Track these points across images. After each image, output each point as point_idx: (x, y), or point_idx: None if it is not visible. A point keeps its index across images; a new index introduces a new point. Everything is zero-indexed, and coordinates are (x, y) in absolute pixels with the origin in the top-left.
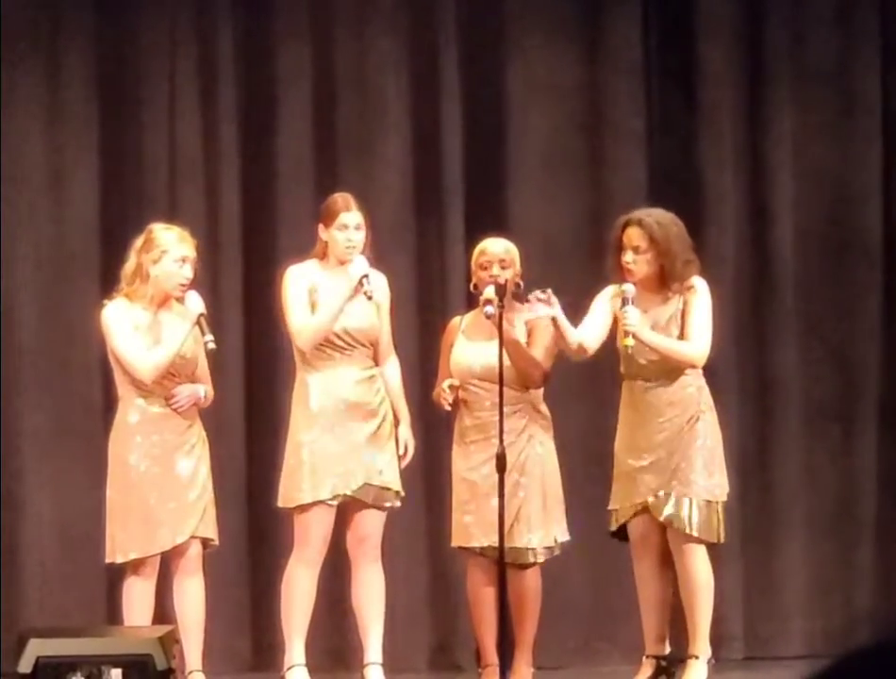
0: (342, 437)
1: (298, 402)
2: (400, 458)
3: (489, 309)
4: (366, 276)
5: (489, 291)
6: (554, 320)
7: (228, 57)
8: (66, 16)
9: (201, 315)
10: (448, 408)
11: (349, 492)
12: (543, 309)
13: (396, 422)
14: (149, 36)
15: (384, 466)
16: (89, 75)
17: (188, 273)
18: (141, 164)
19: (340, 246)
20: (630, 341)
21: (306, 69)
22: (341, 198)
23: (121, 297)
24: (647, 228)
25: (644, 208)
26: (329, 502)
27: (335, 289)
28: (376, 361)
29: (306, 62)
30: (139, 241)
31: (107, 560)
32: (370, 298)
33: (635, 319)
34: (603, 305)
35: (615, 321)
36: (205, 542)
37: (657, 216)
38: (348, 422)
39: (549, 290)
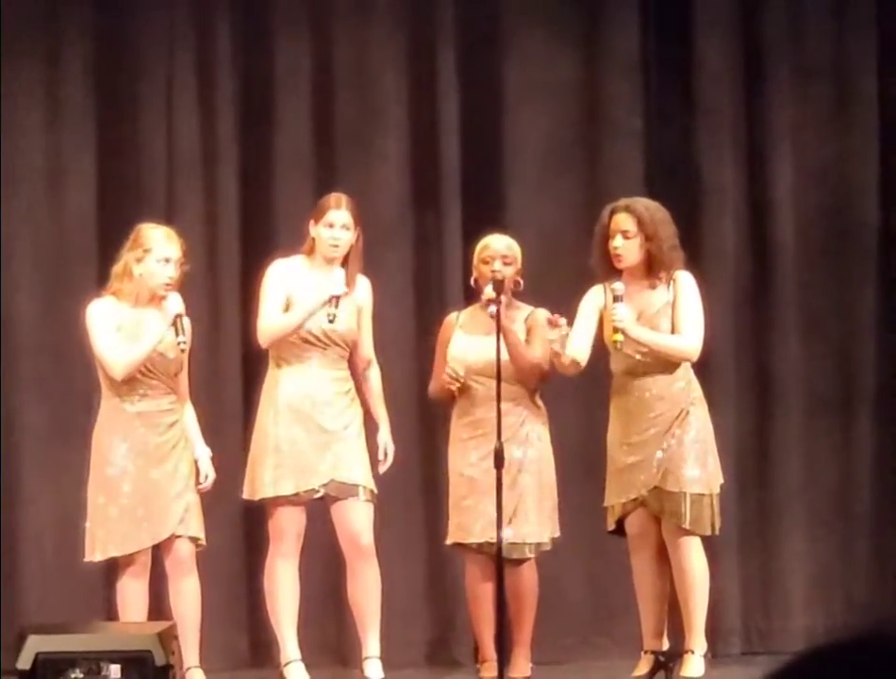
0: (308, 433)
1: (267, 395)
2: (380, 463)
3: (493, 309)
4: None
5: (490, 290)
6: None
7: (226, 53)
8: (64, 12)
9: (177, 316)
10: (454, 388)
11: (314, 488)
12: (550, 333)
13: (376, 427)
14: (147, 32)
15: (351, 463)
16: (86, 72)
17: (171, 272)
18: (138, 160)
19: (324, 244)
20: (620, 337)
21: (305, 65)
22: (334, 197)
23: (108, 295)
24: (635, 212)
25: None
26: (292, 497)
27: (316, 286)
28: (352, 364)
29: (305, 59)
30: (127, 242)
31: (87, 558)
32: (331, 321)
33: (624, 315)
34: (587, 312)
35: (601, 321)
36: (190, 541)
37: (644, 202)
38: (315, 419)
39: (562, 320)
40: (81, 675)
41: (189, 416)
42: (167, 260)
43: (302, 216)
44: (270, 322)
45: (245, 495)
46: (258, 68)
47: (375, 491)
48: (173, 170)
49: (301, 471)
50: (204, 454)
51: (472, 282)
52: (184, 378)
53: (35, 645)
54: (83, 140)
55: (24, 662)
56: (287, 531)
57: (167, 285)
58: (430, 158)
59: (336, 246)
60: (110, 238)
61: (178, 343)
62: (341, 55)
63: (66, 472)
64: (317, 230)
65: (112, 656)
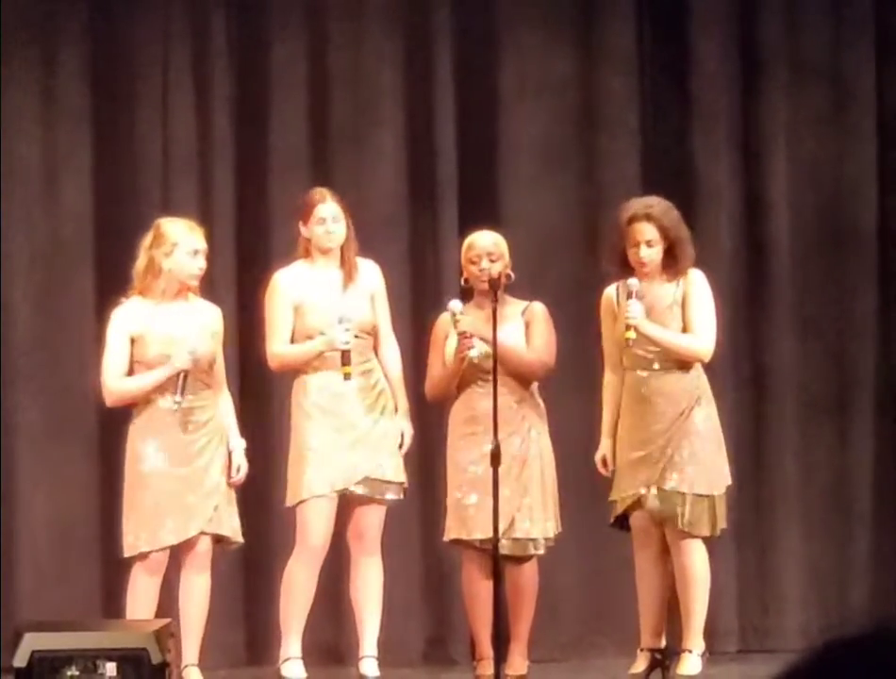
0: (341, 431)
1: (296, 399)
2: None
3: (474, 353)
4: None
5: (454, 305)
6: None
7: (222, 51)
8: (60, 10)
9: (184, 373)
10: (473, 353)
11: (349, 486)
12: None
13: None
14: (143, 30)
15: (384, 459)
16: (83, 70)
17: (201, 263)
18: (134, 158)
19: (321, 239)
20: (632, 334)
21: (300, 63)
22: (317, 193)
23: (135, 295)
24: (656, 221)
25: (639, 199)
26: (329, 496)
27: (324, 284)
28: (376, 349)
29: (300, 57)
30: (147, 239)
31: (125, 554)
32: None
33: (637, 312)
34: (609, 324)
35: (613, 318)
36: (220, 539)
37: (660, 206)
38: (346, 416)
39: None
40: (77, 673)
41: (225, 406)
42: (196, 252)
43: (297, 214)
44: (281, 350)
45: (287, 504)
46: (254, 66)
47: (406, 486)
48: (169, 168)
49: (337, 469)
50: (238, 445)
51: (462, 282)
52: (220, 368)
53: (31, 643)
54: (79, 138)
55: (20, 660)
56: (315, 531)
57: (198, 276)
58: (426, 156)
59: (332, 239)
60: (107, 236)
61: (174, 403)
62: (337, 52)
63: (61, 471)
64: (309, 230)
65: (108, 654)
